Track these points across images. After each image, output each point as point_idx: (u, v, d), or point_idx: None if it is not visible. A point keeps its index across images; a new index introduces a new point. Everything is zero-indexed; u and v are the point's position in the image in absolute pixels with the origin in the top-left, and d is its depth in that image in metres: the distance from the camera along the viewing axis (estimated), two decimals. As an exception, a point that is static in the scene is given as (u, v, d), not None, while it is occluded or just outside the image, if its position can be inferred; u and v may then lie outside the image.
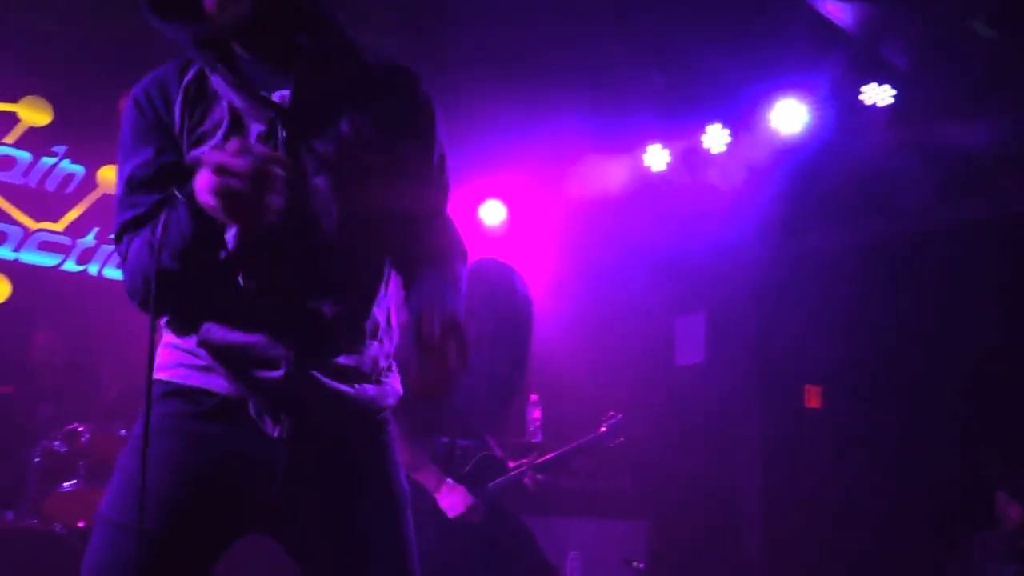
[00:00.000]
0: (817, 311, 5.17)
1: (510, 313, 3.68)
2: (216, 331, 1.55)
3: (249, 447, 1.55)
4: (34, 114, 5.00)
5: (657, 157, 5.52)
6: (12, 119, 4.95)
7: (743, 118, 5.17)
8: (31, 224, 4.99)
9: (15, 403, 4.08)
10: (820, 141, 4.97)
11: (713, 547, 5.20)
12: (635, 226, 5.58)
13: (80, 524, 3.70)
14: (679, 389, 5.56)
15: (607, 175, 5.63)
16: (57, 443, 3.77)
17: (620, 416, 3.83)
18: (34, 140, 4.99)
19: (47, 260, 4.99)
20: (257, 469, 1.55)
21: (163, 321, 1.61)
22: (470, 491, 3.26)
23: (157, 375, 1.57)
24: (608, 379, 5.49)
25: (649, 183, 5.55)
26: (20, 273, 4.88)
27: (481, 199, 6.24)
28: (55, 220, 5.05)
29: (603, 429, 3.80)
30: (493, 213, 6.25)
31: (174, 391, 1.56)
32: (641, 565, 4.71)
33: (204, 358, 1.55)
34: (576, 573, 4.80)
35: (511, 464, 3.58)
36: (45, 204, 5.01)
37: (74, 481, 3.75)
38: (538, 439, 5.02)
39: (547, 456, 3.72)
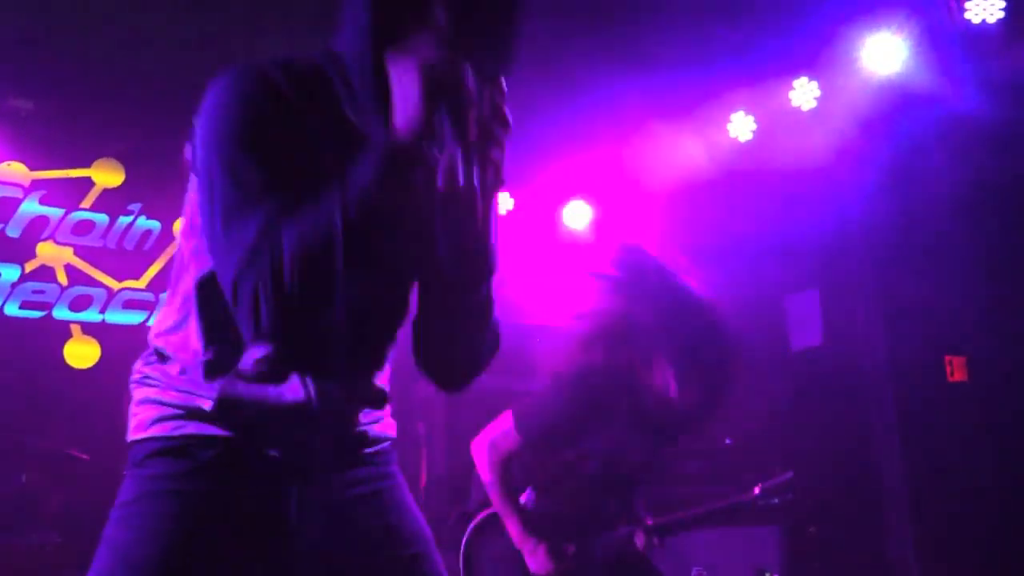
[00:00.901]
0: (948, 271, 4.53)
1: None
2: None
3: (258, 501, 1.34)
4: (107, 176, 5.07)
5: (742, 125, 5.06)
6: (87, 183, 5.03)
7: (831, 65, 4.64)
8: (114, 284, 5.05)
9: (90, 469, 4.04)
10: (924, 76, 4.39)
11: (856, 546, 4.61)
12: (727, 205, 5.12)
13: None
14: (797, 376, 5.01)
15: (690, 155, 5.20)
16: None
17: (787, 475, 2.98)
18: (109, 202, 5.06)
19: (133, 318, 5.02)
20: (269, 526, 1.34)
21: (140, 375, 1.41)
22: (576, 550, 2.78)
23: (135, 435, 1.37)
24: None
25: (738, 155, 5.09)
26: (108, 334, 4.93)
27: (562, 202, 5.93)
28: (137, 278, 5.09)
29: (756, 491, 3.00)
30: (578, 215, 5.93)
31: (161, 450, 1.34)
32: (776, 575, 4.21)
33: (205, 394, 1.33)
34: (702, 589, 4.34)
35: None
36: (126, 263, 5.06)
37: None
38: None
39: (670, 517, 3.00)
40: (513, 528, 2.78)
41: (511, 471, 2.82)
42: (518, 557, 2.81)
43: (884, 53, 4.44)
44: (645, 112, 5.08)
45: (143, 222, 5.14)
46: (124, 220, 5.10)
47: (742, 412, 4.70)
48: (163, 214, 5.17)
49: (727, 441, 4.58)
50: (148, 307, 5.07)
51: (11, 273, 4.77)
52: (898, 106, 4.51)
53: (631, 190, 5.56)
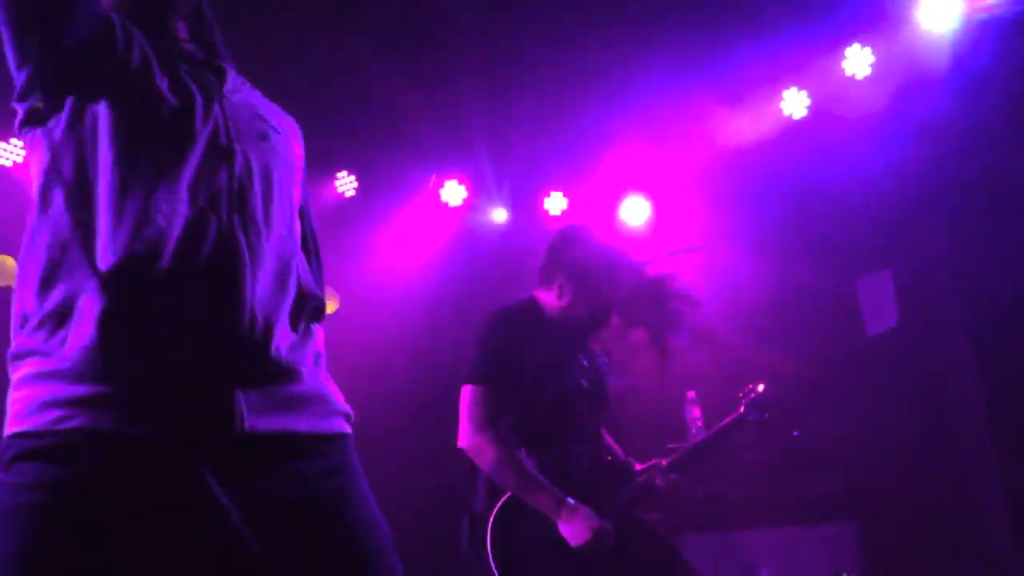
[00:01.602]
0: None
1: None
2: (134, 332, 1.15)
3: (185, 515, 1.14)
4: None
5: (795, 102, 4.80)
6: None
7: (885, 29, 4.36)
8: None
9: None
10: (986, 29, 4.06)
11: (947, 542, 4.21)
12: (787, 189, 4.85)
13: None
14: (873, 363, 4.67)
15: (746, 138, 4.97)
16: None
17: (760, 387, 3.13)
18: None
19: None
20: (203, 542, 1.15)
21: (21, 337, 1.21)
22: (596, 510, 2.68)
23: (11, 428, 1.16)
24: (787, 365, 4.73)
25: (793, 134, 4.82)
26: None
27: (618, 197, 5.75)
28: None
29: (741, 409, 3.12)
30: (636, 210, 5.73)
31: (43, 450, 1.11)
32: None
33: (102, 381, 1.12)
34: (772, 594, 4.05)
35: (637, 467, 2.98)
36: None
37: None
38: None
39: (680, 452, 3.06)
40: (542, 498, 2.65)
41: (507, 442, 2.73)
42: (553, 534, 2.64)
43: (939, 10, 4.13)
44: (698, 99, 4.90)
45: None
46: None
47: (809, 400, 4.41)
48: None
49: (795, 433, 4.29)
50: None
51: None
52: (962, 67, 4.19)
53: (688, 181, 5.35)
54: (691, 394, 4.50)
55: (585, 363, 2.95)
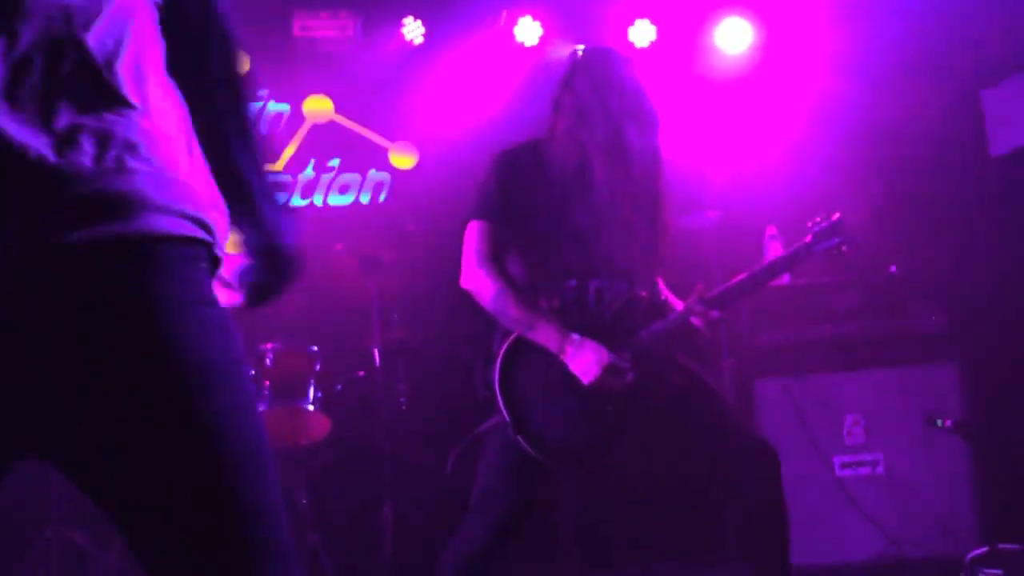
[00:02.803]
0: None
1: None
2: None
3: None
4: (233, 66, 5.16)
5: None
6: (215, 76, 5.16)
7: None
8: (252, 170, 5.20)
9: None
10: None
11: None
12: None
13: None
14: (993, 183, 4.12)
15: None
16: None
17: (835, 218, 2.62)
18: (238, 90, 5.17)
19: (273, 201, 5.16)
20: None
21: None
22: (611, 346, 2.45)
23: None
24: (888, 197, 4.27)
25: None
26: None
27: (714, 21, 5.20)
28: (274, 161, 5.20)
29: (808, 239, 2.62)
30: (735, 35, 5.19)
31: None
32: (948, 423, 3.58)
33: None
34: (858, 439, 3.80)
35: (678, 307, 2.62)
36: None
37: (261, 405, 3.79)
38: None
39: (724, 286, 2.61)
40: (544, 333, 2.44)
41: (509, 278, 2.54)
42: (563, 374, 2.45)
43: None
44: None
45: (272, 106, 5.22)
46: (254, 107, 5.20)
47: (909, 234, 3.98)
48: (291, 96, 5.22)
49: (891, 269, 3.89)
50: (286, 189, 5.18)
51: (158, 170, 5.06)
52: None
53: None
54: (771, 229, 4.14)
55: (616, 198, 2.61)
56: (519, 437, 2.44)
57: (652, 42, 5.29)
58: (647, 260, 2.64)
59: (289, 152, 5.23)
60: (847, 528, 3.69)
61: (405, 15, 5.12)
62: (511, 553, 2.51)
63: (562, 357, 2.46)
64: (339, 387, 3.96)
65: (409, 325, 4.36)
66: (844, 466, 3.77)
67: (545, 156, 2.62)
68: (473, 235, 2.56)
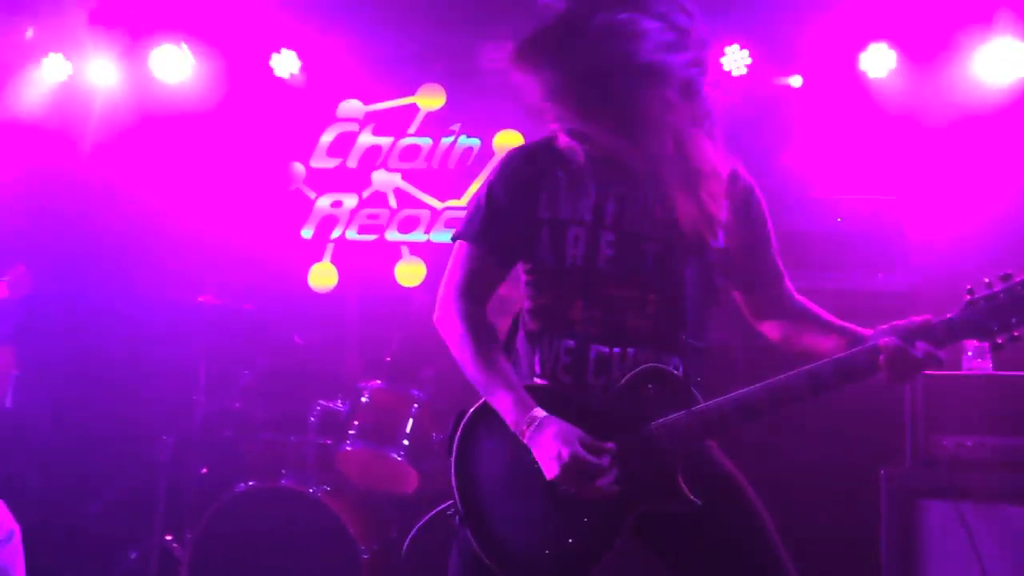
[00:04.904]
0: None
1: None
2: None
3: None
4: (430, 100, 5.20)
5: None
6: (413, 110, 5.23)
7: None
8: (438, 204, 5.17)
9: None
10: None
11: None
12: None
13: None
14: None
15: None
16: (338, 402, 3.74)
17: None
18: (432, 125, 5.19)
19: (453, 236, 5.09)
20: None
21: None
22: (600, 434, 1.87)
23: None
24: None
25: None
26: (432, 253, 5.08)
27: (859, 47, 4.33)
28: (459, 196, 5.14)
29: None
30: (878, 61, 4.34)
31: None
32: None
33: None
34: None
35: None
36: (448, 183, 5.15)
37: (347, 442, 3.66)
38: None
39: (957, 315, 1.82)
40: (503, 401, 1.90)
41: (483, 324, 2.02)
42: (523, 456, 1.88)
43: None
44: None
45: (464, 140, 5.16)
46: (446, 141, 5.17)
47: None
48: (482, 131, 5.13)
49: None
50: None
51: (351, 201, 5.21)
52: None
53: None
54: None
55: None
56: (468, 533, 1.95)
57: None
58: (692, 324, 2.00)
59: (474, 187, 5.12)
60: None
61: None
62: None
63: (522, 439, 1.88)
64: (436, 436, 3.71)
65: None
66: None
67: (567, 158, 2.02)
68: (455, 260, 2.08)
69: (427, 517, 2.24)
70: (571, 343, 1.99)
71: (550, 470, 1.84)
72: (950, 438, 3.07)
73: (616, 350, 1.98)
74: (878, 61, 4.45)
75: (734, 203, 2.06)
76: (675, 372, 1.96)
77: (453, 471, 1.99)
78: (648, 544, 2.00)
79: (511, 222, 2.04)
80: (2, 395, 4.08)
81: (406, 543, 2.23)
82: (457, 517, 1.97)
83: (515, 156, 2.10)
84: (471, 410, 2.02)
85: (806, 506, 3.10)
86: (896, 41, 4.43)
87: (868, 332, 1.93)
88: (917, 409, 3.11)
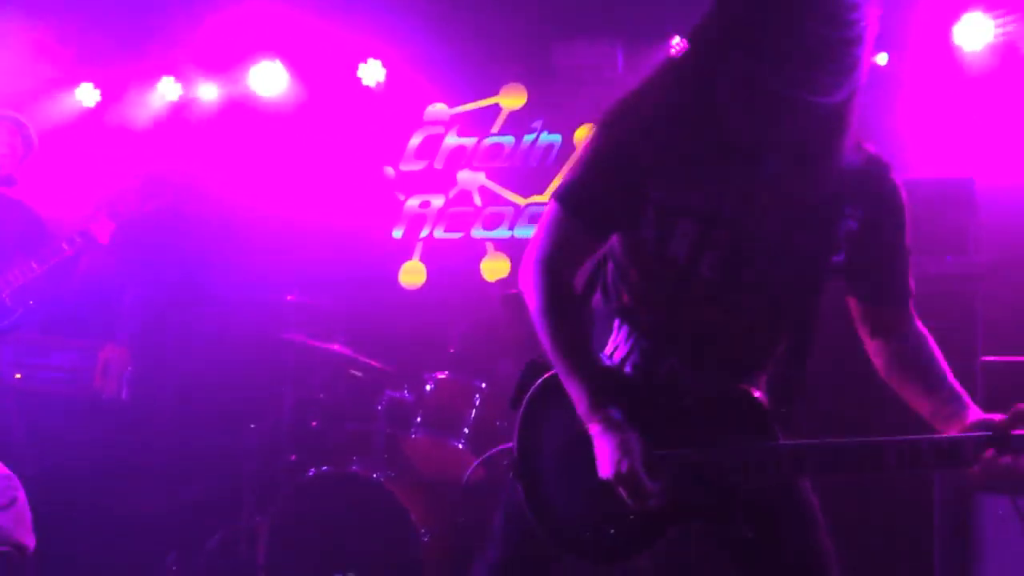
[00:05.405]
0: None
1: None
2: None
3: None
4: (512, 100, 5.31)
5: None
6: (495, 110, 5.36)
7: None
8: (521, 201, 5.27)
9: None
10: None
11: None
12: None
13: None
14: None
15: None
16: (405, 392, 3.90)
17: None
18: (514, 124, 5.30)
19: (536, 231, 5.18)
20: None
21: None
22: (681, 444, 1.80)
23: None
24: None
25: None
26: (516, 248, 5.19)
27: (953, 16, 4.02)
28: (541, 192, 5.22)
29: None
30: (974, 32, 4.06)
31: None
32: None
33: None
34: None
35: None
36: (531, 179, 5.24)
37: (411, 431, 3.81)
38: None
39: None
40: (578, 391, 1.82)
41: (569, 297, 1.90)
42: (583, 437, 1.83)
43: None
44: None
45: (545, 137, 5.24)
46: (528, 138, 5.27)
47: None
48: (563, 126, 5.19)
49: None
50: (546, 219, 5.15)
51: (438, 201, 5.40)
52: None
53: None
54: None
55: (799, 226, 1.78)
56: (519, 487, 1.93)
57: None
58: (790, 351, 1.87)
59: (556, 183, 5.18)
60: None
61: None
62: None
63: (587, 430, 1.83)
64: (499, 423, 3.81)
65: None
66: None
67: (725, 124, 1.68)
68: (547, 222, 1.93)
69: (493, 451, 2.26)
70: (647, 344, 1.90)
71: (605, 471, 1.79)
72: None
73: (691, 370, 1.88)
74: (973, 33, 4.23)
75: (867, 207, 1.81)
76: (759, 400, 1.81)
77: (518, 426, 1.98)
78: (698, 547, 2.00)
79: (624, 193, 1.83)
80: (120, 389, 4.51)
81: (469, 471, 2.28)
82: (513, 470, 1.97)
83: (665, 97, 1.79)
84: (547, 375, 1.96)
85: (858, 498, 2.99)
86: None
87: (974, 409, 1.77)
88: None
